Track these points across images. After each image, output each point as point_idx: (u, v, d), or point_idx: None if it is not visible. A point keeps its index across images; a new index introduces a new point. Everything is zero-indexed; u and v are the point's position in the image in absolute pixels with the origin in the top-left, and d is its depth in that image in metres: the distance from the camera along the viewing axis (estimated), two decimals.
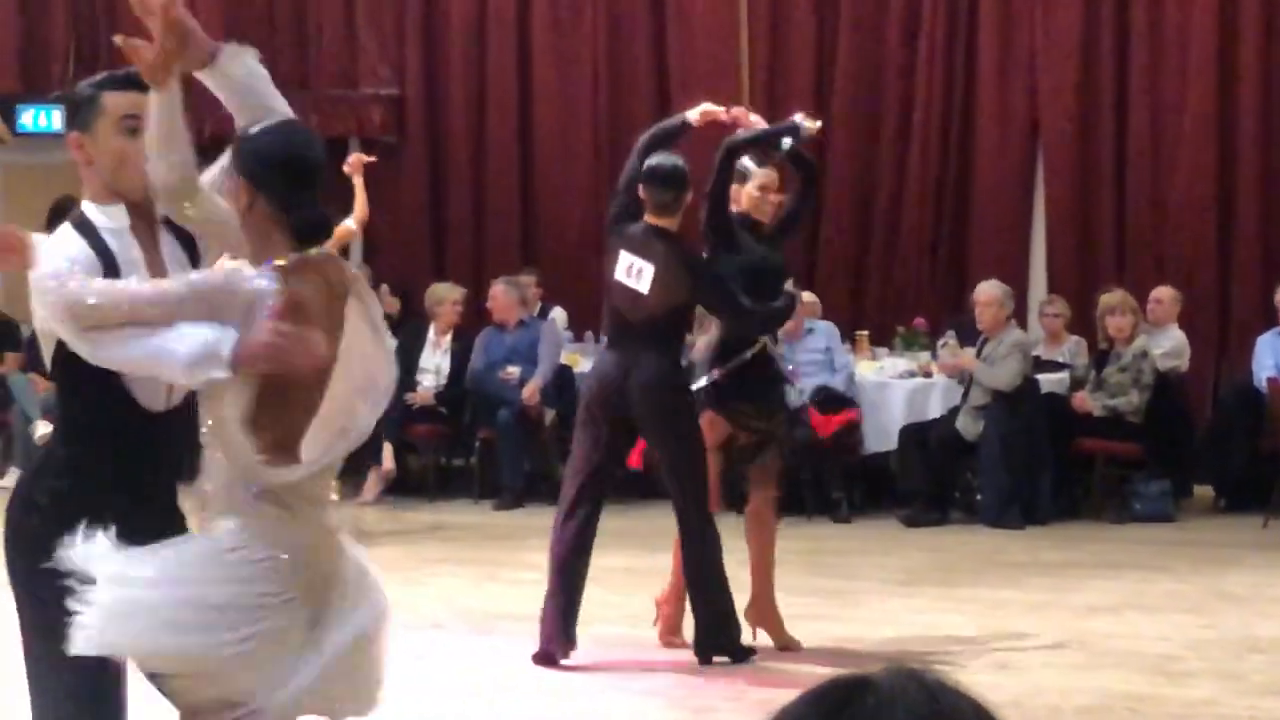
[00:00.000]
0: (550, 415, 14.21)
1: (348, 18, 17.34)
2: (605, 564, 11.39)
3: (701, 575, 8.71)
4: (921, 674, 1.73)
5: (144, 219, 4.73)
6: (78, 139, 4.67)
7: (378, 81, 17.30)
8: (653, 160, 8.84)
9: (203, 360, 4.37)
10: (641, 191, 8.81)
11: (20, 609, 4.58)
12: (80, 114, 4.70)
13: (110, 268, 4.59)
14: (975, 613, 9.97)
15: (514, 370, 14.31)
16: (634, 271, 8.68)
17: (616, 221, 8.86)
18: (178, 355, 4.37)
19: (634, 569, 11.12)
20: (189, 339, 4.38)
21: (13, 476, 14.85)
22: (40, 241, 4.57)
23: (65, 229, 4.61)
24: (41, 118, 17.35)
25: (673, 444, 8.75)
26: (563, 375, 14.38)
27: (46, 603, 4.42)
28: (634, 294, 8.67)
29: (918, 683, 1.72)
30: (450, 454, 15.30)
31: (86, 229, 4.62)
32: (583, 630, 8.86)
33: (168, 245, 4.78)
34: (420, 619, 9.29)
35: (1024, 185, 15.95)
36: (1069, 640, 9.24)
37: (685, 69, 16.67)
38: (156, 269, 4.69)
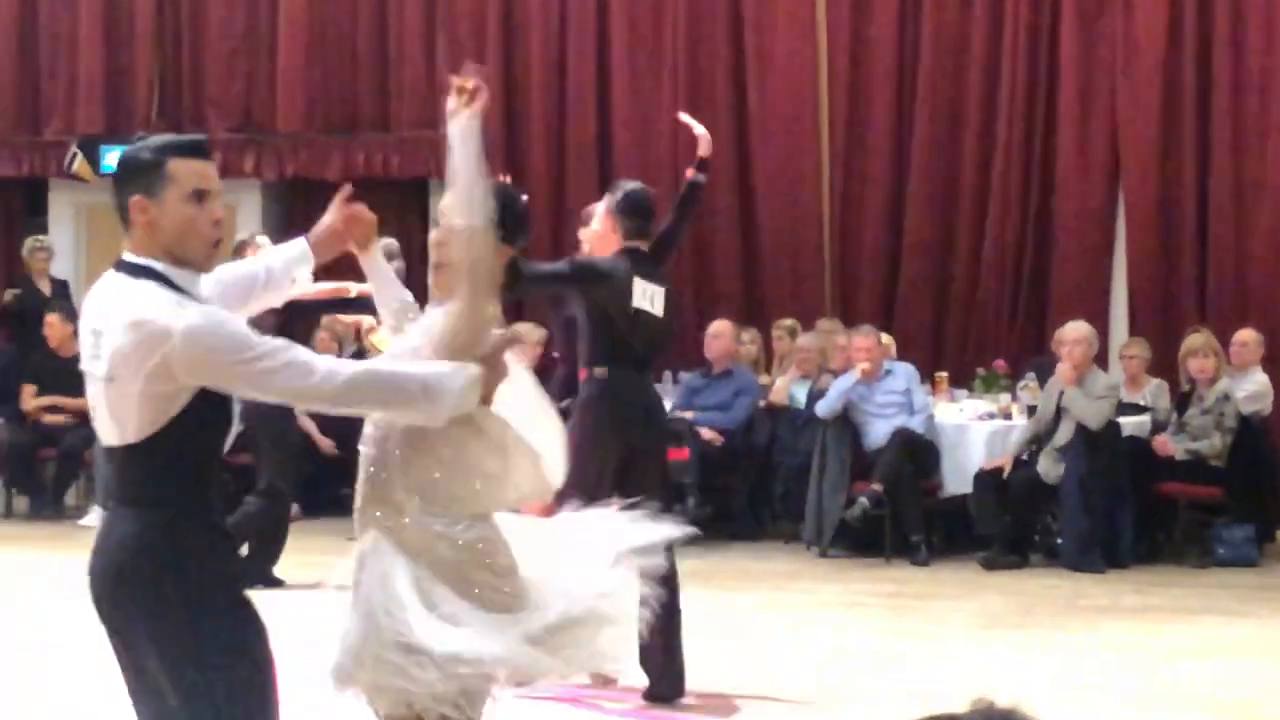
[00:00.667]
0: None
1: (428, 59, 17.42)
2: (684, 604, 11.36)
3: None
4: (1014, 713, 1.71)
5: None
6: (142, 204, 4.53)
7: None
8: (630, 189, 9.03)
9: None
10: (622, 221, 8.88)
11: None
12: (141, 177, 4.55)
13: None
14: (1055, 657, 9.89)
15: None
16: (648, 296, 8.70)
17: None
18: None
19: (711, 610, 11.09)
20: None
21: (94, 515, 14.96)
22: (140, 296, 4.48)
23: (151, 286, 4.49)
24: None
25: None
26: None
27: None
28: (655, 318, 8.68)
29: None
30: None
31: (169, 285, 4.51)
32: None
33: None
34: None
35: (1105, 227, 15.87)
36: (1150, 685, 9.15)
37: (764, 102, 16.67)
38: None
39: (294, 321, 10.03)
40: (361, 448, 5.32)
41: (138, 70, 17.97)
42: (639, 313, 8.62)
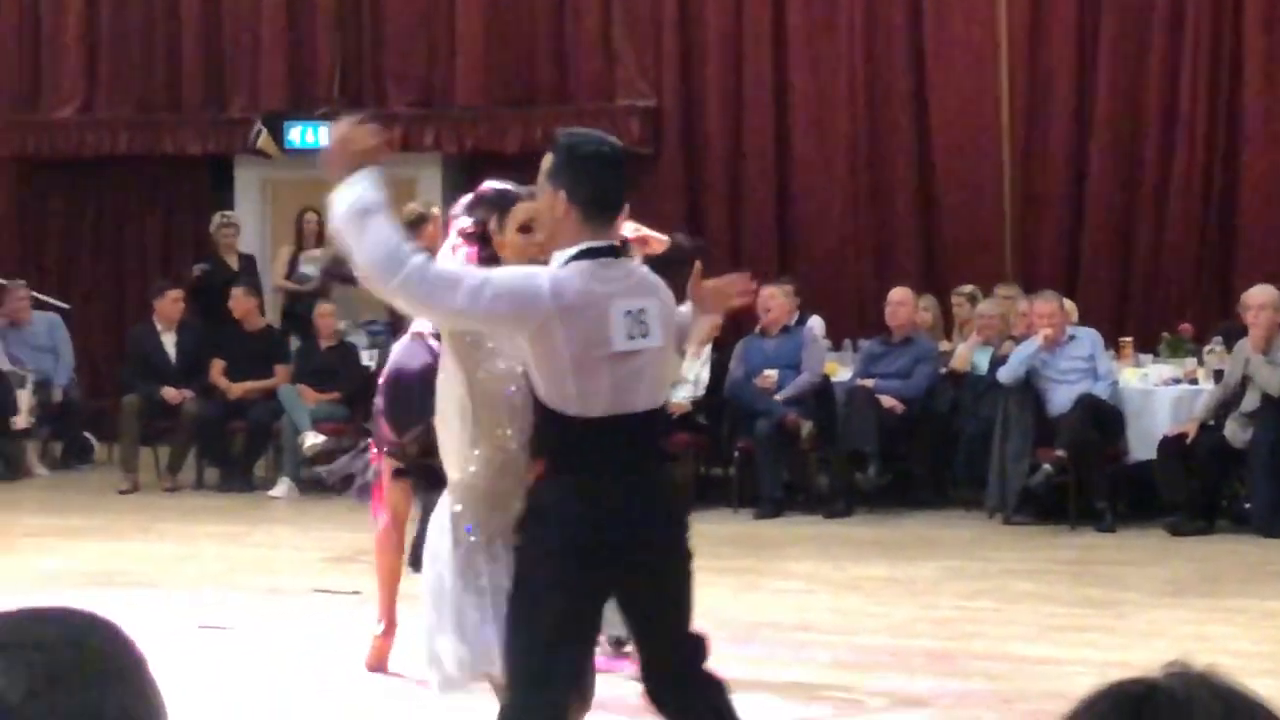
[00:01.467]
0: (808, 427, 14.16)
1: (605, 31, 17.48)
2: (867, 573, 11.37)
3: None
4: (1211, 677, 1.70)
5: None
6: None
7: (634, 93, 17.42)
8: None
9: None
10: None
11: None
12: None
13: None
14: (1245, 623, 9.78)
15: (771, 374, 14.28)
16: None
17: None
18: None
19: (894, 578, 11.07)
20: None
21: (283, 486, 15.20)
22: None
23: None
24: (308, 134, 17.71)
25: None
26: (822, 385, 14.34)
27: None
28: None
29: (1209, 688, 1.69)
30: (709, 463, 15.34)
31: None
32: (845, 639, 8.82)
33: None
34: None
35: None
36: None
37: (943, 78, 16.57)
38: None
39: None
40: (512, 446, 5.43)
41: (319, 46, 18.19)
42: None
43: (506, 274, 5.23)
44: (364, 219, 4.99)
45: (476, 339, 5.44)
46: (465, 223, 6.64)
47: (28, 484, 16.20)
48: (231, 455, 15.87)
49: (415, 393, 7.54)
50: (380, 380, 8.42)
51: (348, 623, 9.73)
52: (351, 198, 5.02)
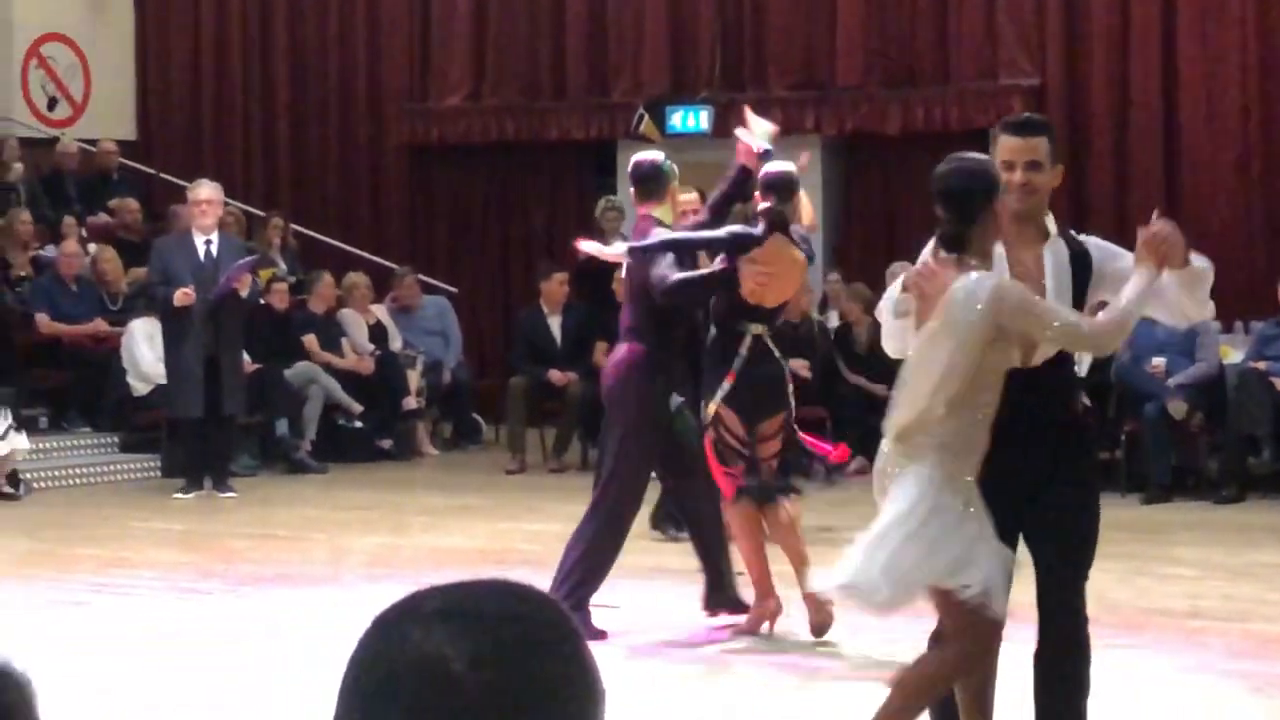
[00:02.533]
0: (1196, 414, 13.83)
1: (987, 9, 17.28)
2: (1261, 559, 11.07)
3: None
4: None
5: (1016, 233, 5.80)
6: None
7: (1017, 72, 17.20)
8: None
9: None
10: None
11: None
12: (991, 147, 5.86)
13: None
14: None
15: (1160, 362, 14.02)
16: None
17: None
18: None
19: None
20: None
21: None
22: None
23: None
24: (689, 118, 17.87)
25: None
26: (1215, 371, 14.02)
27: None
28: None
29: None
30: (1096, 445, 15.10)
31: None
32: (1239, 626, 8.60)
33: (1053, 260, 5.83)
34: None
35: None
36: None
37: None
38: (1023, 271, 5.75)
39: None
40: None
41: (700, 31, 18.32)
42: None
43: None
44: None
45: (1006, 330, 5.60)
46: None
47: (419, 464, 16.65)
48: None
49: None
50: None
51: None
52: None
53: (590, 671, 1.75)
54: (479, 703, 1.67)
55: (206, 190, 14.37)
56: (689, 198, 10.67)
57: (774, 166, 9.25)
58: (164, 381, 14.70)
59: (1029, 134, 5.88)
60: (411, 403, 16.89)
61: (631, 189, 9.27)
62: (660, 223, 9.05)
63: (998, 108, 17.09)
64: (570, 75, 18.89)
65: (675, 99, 17.99)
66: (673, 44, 18.45)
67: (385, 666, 1.70)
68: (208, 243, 14.23)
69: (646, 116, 17.79)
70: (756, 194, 9.19)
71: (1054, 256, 5.84)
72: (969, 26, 17.38)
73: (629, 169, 9.38)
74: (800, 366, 15.29)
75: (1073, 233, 6.10)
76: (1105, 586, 10.30)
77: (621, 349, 9.08)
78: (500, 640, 1.70)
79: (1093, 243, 6.04)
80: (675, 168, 9.29)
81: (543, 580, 10.33)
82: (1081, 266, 5.86)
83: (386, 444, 16.76)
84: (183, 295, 13.94)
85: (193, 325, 13.99)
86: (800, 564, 8.86)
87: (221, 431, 14.44)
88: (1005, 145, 5.87)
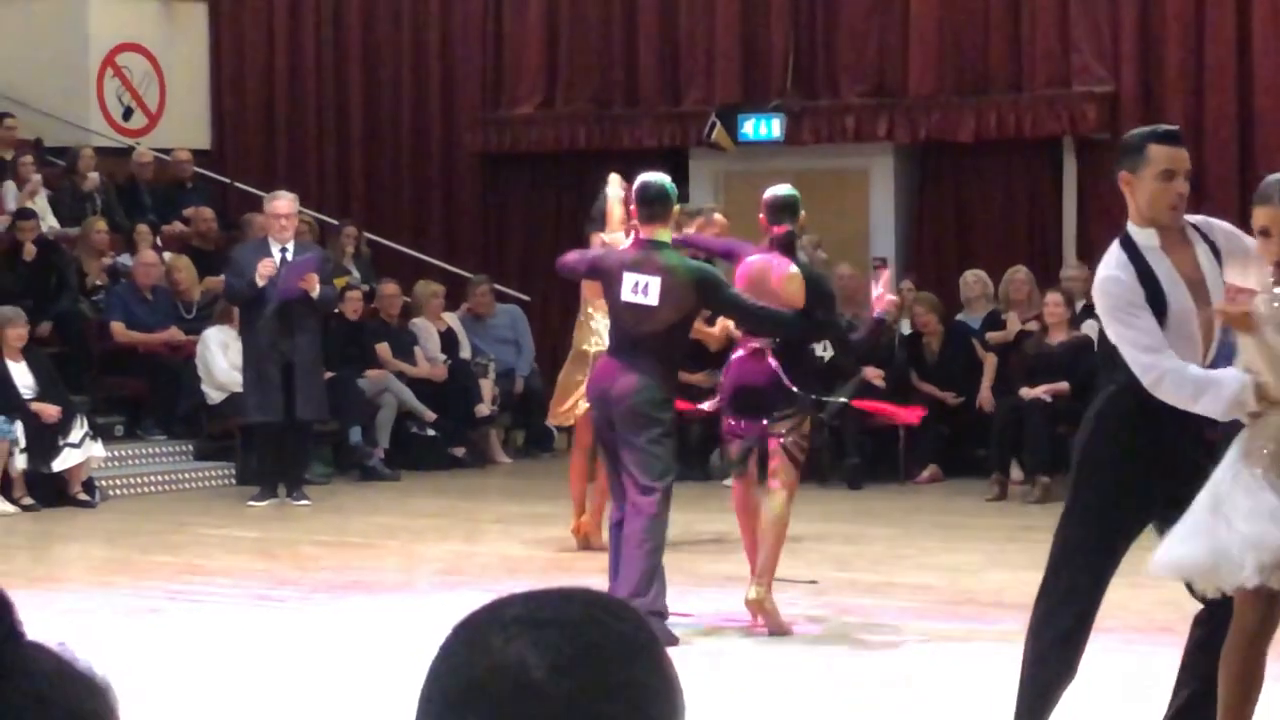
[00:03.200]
0: None
1: (1061, 16, 17.19)
2: None
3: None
4: None
5: (1172, 239, 6.09)
6: (1126, 178, 6.08)
7: (1091, 79, 17.10)
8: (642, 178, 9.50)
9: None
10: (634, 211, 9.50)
11: None
12: (1129, 158, 6.10)
13: (1145, 275, 6.00)
14: None
15: None
16: (640, 288, 9.13)
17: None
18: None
19: None
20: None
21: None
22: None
23: (1114, 245, 6.11)
24: (761, 126, 17.85)
25: None
26: None
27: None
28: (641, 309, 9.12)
29: None
30: None
31: (1128, 244, 6.08)
32: None
33: (1204, 259, 6.12)
34: (1145, 621, 9.14)
35: None
36: None
37: None
38: (1188, 274, 6.05)
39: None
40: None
41: (773, 39, 18.30)
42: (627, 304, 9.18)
43: None
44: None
45: None
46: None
47: (492, 471, 16.69)
48: (688, 445, 16.07)
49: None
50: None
51: (801, 608, 9.79)
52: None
53: (670, 680, 1.75)
54: (559, 711, 1.67)
55: (284, 203, 14.41)
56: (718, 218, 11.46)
57: (780, 190, 9.72)
58: (238, 390, 14.78)
59: (1182, 144, 6.17)
60: (484, 410, 16.93)
61: (634, 208, 9.47)
62: (659, 244, 9.24)
63: (1071, 115, 17.04)
64: (642, 83, 18.90)
65: (747, 107, 17.98)
66: (745, 52, 18.43)
67: (466, 674, 1.70)
68: (283, 250, 14.29)
69: (719, 124, 17.81)
70: (762, 218, 9.62)
71: (1204, 256, 6.13)
72: (1043, 33, 17.29)
73: (635, 188, 9.55)
74: (875, 375, 15.28)
75: (1190, 224, 6.25)
76: None
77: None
78: (581, 648, 1.70)
79: (1208, 228, 6.24)
80: (676, 190, 9.57)
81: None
82: (1217, 257, 6.16)
83: (459, 451, 16.81)
84: (267, 264, 13.94)
85: (268, 329, 14.04)
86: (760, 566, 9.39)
87: (297, 438, 14.51)
88: (1166, 155, 6.09)
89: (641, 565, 9.03)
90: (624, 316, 9.20)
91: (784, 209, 9.54)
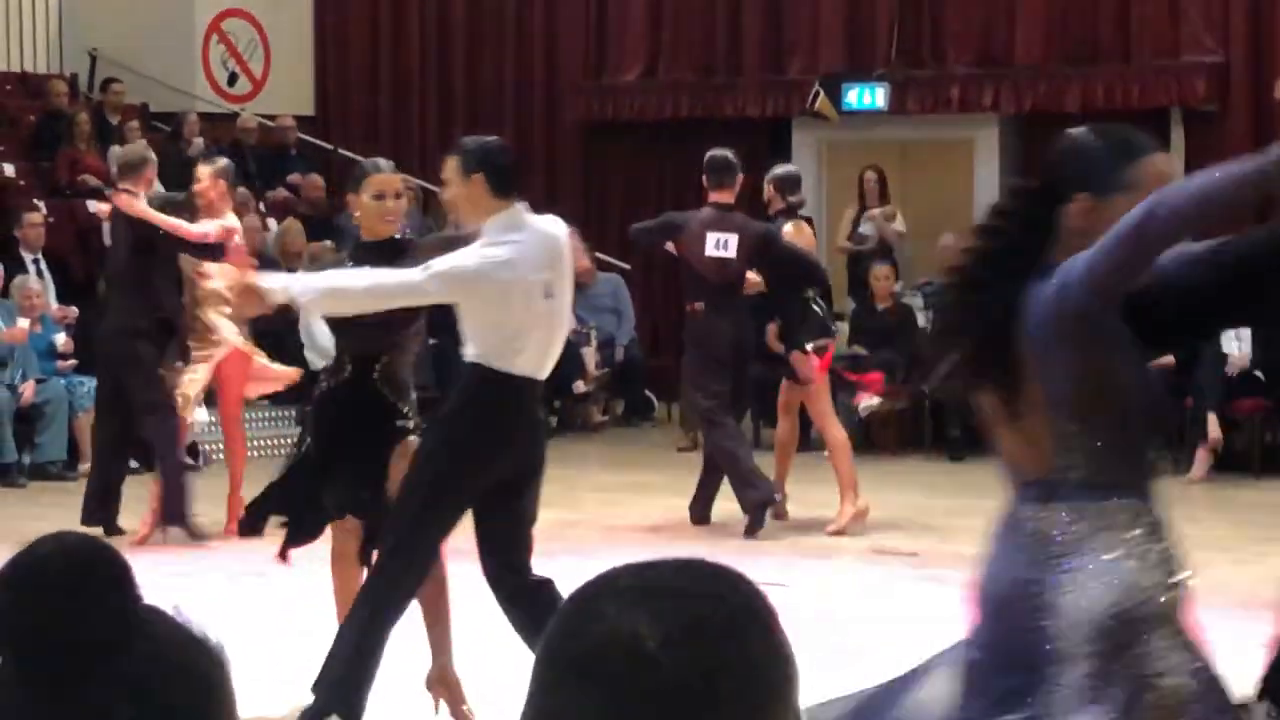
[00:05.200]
0: None
1: None
2: None
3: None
4: None
5: None
6: None
7: (1200, 49, 16.92)
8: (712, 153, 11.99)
9: None
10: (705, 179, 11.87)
11: None
12: None
13: None
14: None
15: None
16: (721, 244, 11.43)
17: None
18: None
19: None
20: None
21: None
22: None
23: None
24: (865, 96, 17.76)
25: None
26: None
27: None
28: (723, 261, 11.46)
29: None
30: (1276, 429, 14.86)
31: None
32: None
33: None
34: (1249, 598, 9.03)
35: None
36: None
37: None
38: None
39: None
40: None
41: (878, 8, 18.18)
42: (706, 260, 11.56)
43: None
44: None
45: None
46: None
47: (592, 440, 16.71)
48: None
49: None
50: None
51: (900, 581, 9.76)
52: None
53: (783, 651, 1.75)
54: (671, 681, 1.67)
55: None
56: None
57: (784, 167, 12.41)
58: None
59: None
60: (581, 386, 16.94)
61: (705, 175, 11.74)
62: (728, 207, 11.69)
63: (1180, 86, 16.87)
64: (746, 52, 18.83)
65: (851, 76, 17.89)
66: (850, 20, 18.33)
67: (579, 643, 1.71)
68: None
69: (822, 93, 17.74)
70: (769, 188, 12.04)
71: None
72: (1152, 2, 17.11)
73: (705, 160, 11.85)
74: None
75: None
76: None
77: None
78: (693, 620, 1.70)
79: None
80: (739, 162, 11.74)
81: (715, 556, 10.33)
82: None
83: (555, 421, 16.87)
84: None
85: None
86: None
87: None
88: None
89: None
90: (709, 269, 11.44)
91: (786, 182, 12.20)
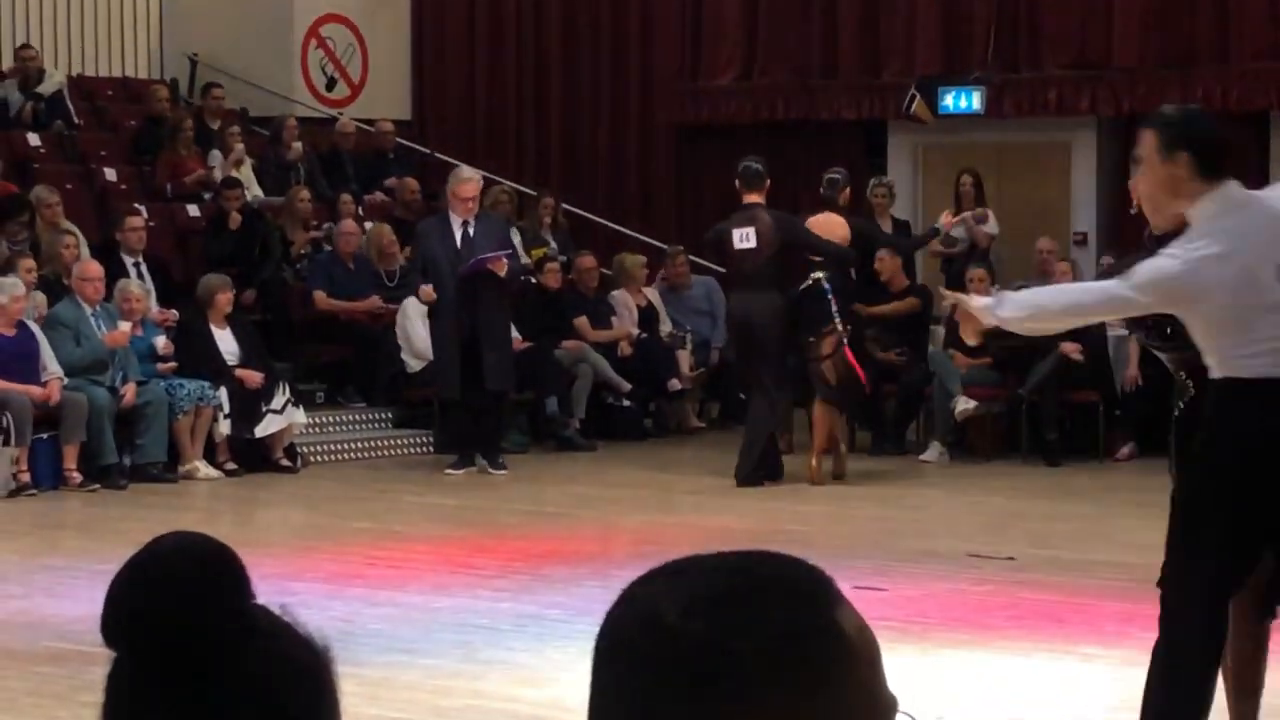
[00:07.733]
0: None
1: None
2: None
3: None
4: None
5: None
6: None
7: None
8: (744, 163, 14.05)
9: None
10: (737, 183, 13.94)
11: None
12: None
13: None
14: None
15: None
16: (744, 237, 13.48)
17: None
18: None
19: None
20: None
21: (933, 450, 15.26)
22: None
23: None
24: (961, 99, 17.70)
25: None
26: None
27: None
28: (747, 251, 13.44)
29: None
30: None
31: None
32: None
33: None
34: None
35: None
36: None
37: None
38: None
39: None
40: None
41: (975, 10, 18.10)
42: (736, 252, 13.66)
43: None
44: None
45: None
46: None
47: (687, 442, 16.72)
48: (884, 419, 16.01)
49: None
50: None
51: (1002, 585, 9.72)
52: None
53: (837, 628, 1.69)
54: (689, 649, 1.66)
55: (469, 187, 14.61)
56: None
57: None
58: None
59: None
60: (676, 384, 16.97)
61: (738, 181, 13.77)
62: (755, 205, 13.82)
63: (1278, 88, 16.72)
64: (842, 55, 18.79)
65: (947, 79, 17.83)
66: (946, 23, 18.26)
67: (612, 629, 1.72)
68: (465, 224, 14.48)
69: (918, 97, 17.67)
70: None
71: None
72: (1252, 3, 16.96)
73: (738, 169, 13.80)
74: (1073, 350, 15.07)
75: None
76: None
77: None
78: (716, 591, 1.68)
79: None
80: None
81: (813, 560, 10.33)
82: None
83: (651, 423, 16.91)
84: (426, 293, 14.30)
85: (450, 306, 14.22)
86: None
87: (488, 409, 14.63)
88: None
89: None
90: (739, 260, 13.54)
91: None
